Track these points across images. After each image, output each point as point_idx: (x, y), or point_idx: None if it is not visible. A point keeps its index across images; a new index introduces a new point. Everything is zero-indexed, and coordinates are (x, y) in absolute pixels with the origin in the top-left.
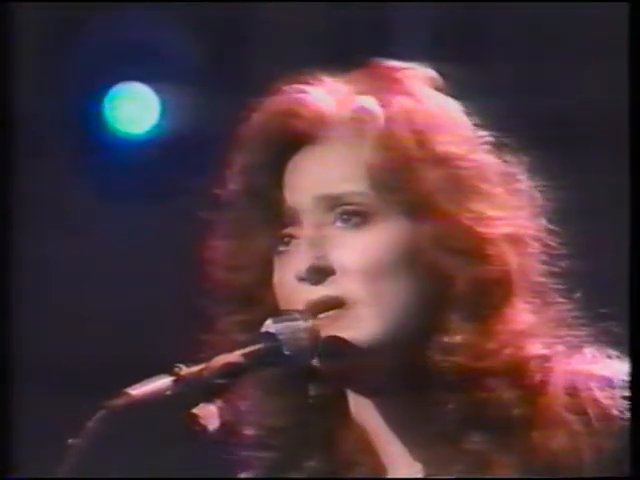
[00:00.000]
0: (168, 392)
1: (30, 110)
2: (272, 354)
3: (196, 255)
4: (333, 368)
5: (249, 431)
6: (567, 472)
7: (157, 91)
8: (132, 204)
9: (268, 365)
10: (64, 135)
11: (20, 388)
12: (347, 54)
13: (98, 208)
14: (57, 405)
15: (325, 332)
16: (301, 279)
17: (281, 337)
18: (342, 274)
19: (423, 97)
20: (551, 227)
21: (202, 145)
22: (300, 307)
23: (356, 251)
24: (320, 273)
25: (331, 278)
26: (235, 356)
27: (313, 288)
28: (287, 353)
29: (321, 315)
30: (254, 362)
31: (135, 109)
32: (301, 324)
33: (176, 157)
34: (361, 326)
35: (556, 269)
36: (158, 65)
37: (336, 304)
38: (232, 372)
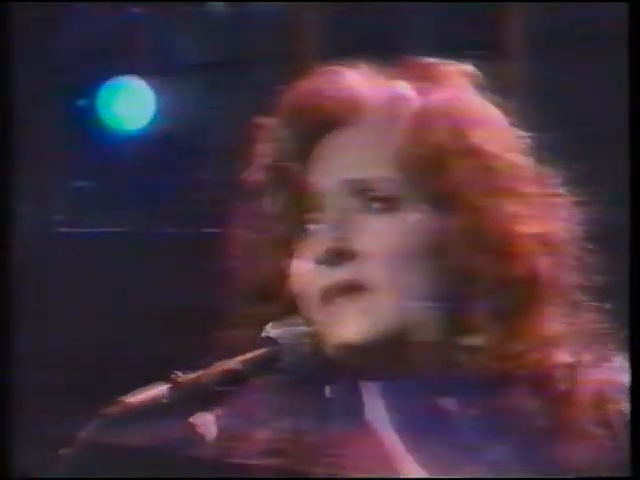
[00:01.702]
0: (165, 400)
1: (28, 108)
2: (272, 360)
3: (197, 252)
4: (347, 364)
5: (259, 436)
6: None
7: (154, 87)
8: (130, 201)
9: (268, 372)
10: (61, 133)
11: (20, 388)
12: (348, 53)
13: (96, 206)
14: (57, 406)
15: (341, 318)
16: (320, 262)
17: (282, 342)
18: (362, 259)
19: (462, 91)
20: (585, 240)
21: (199, 142)
22: (316, 291)
23: (378, 236)
24: (339, 256)
25: (350, 262)
26: (234, 362)
27: (331, 272)
28: (288, 359)
29: (338, 299)
30: (253, 369)
31: (132, 106)
32: (303, 329)
33: (174, 154)
34: (378, 313)
35: (588, 281)
36: (155, 61)
37: (354, 288)
38: (231, 379)
